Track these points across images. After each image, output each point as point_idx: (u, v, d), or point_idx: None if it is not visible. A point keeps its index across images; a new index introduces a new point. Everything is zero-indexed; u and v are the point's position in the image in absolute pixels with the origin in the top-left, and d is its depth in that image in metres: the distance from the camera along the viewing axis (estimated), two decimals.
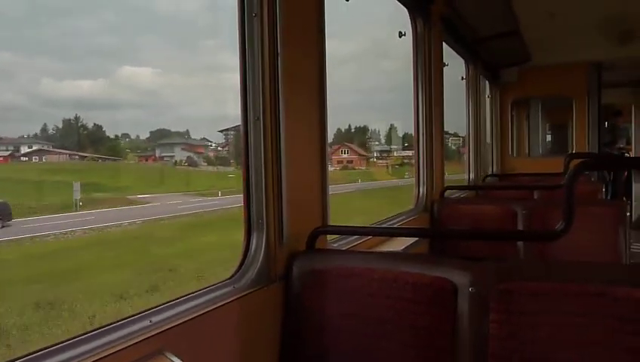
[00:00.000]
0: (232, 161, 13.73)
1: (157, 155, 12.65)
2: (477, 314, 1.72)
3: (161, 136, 12.90)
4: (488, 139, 7.54)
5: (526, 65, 7.35)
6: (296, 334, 2.02)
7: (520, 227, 3.71)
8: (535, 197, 5.04)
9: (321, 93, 2.41)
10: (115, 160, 11.75)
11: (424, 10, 4.15)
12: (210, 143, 13.86)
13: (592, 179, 6.55)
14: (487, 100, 7.55)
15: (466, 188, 5.85)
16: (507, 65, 7.53)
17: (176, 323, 1.61)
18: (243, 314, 1.89)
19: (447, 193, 4.62)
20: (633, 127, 10.34)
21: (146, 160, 12.56)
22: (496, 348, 1.66)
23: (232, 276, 1.99)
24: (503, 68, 7.59)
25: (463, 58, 6.11)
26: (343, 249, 2.72)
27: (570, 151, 7.55)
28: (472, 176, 6.42)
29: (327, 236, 2.61)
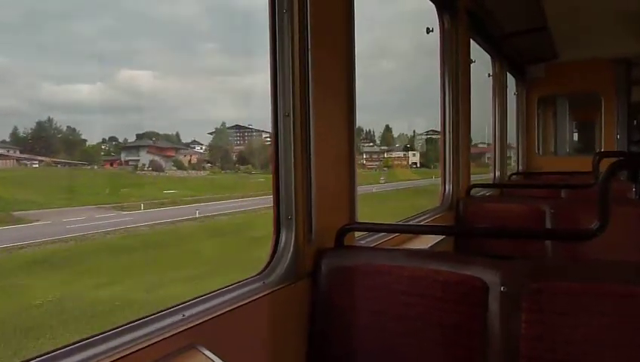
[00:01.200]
0: (207, 165, 12.91)
1: (122, 159, 11.70)
2: (508, 314, 1.70)
3: (149, 138, 12.26)
4: (513, 137, 7.44)
5: (553, 61, 7.24)
6: (324, 330, 2.03)
7: (548, 226, 3.66)
8: (562, 196, 4.96)
9: (350, 91, 2.41)
10: (74, 164, 10.88)
11: (451, 5, 4.11)
12: (196, 146, 13.18)
13: (622, 178, 6.42)
14: (514, 97, 7.47)
15: (492, 186, 5.79)
16: (534, 62, 7.42)
17: (208, 318, 1.62)
18: (272, 309, 1.90)
19: (473, 191, 4.59)
20: None
21: (111, 164, 11.66)
22: (527, 348, 1.64)
23: (262, 271, 2.00)
24: (530, 64, 7.48)
25: (490, 54, 6.04)
26: (373, 246, 2.72)
27: (597, 150, 7.42)
28: (497, 174, 6.35)
29: (356, 234, 2.62)
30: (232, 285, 1.83)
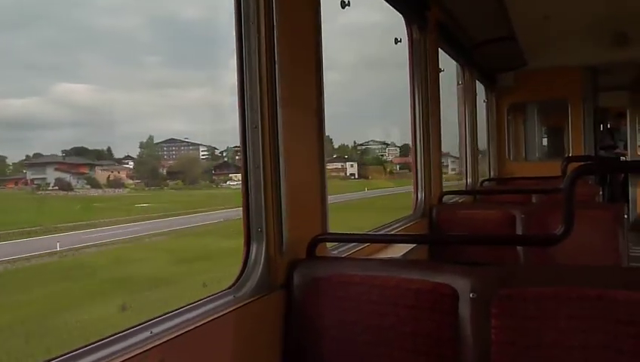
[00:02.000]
0: (127, 182, 11.63)
1: (28, 178, 10.32)
2: (479, 320, 1.71)
3: (77, 155, 11.11)
4: (484, 144, 7.55)
5: (522, 69, 7.38)
6: (298, 342, 2.01)
7: (519, 231, 3.71)
8: (533, 200, 5.04)
9: (319, 102, 2.42)
10: None
11: (420, 16, 4.16)
12: (129, 162, 12.08)
13: (590, 182, 6.56)
14: (484, 105, 7.59)
15: (464, 193, 5.85)
16: (503, 70, 7.56)
17: (177, 334, 1.60)
18: (244, 323, 1.88)
19: (446, 198, 4.63)
20: (629, 131, 10.38)
21: (16, 183, 10.35)
22: (498, 353, 1.65)
23: (232, 285, 1.98)
24: (500, 72, 7.62)
25: (459, 63, 6.12)
26: (346, 256, 2.72)
27: (567, 155, 7.58)
28: (469, 180, 6.43)
29: (328, 244, 2.61)
30: (201, 300, 1.81)
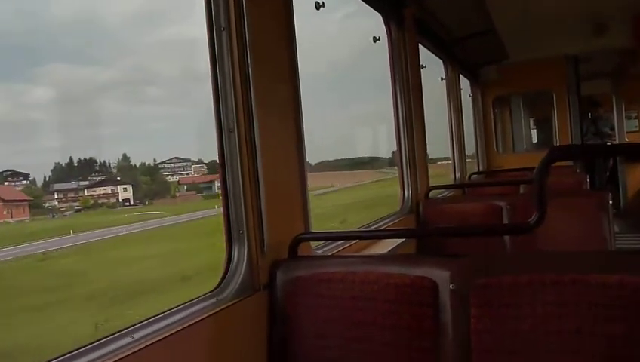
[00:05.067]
0: None
1: None
2: (458, 311, 1.74)
3: None
4: (471, 138, 7.59)
5: (504, 62, 7.44)
6: (283, 342, 2.03)
7: (505, 222, 3.74)
8: (521, 191, 5.08)
9: (296, 103, 2.44)
10: None
11: (397, 13, 4.19)
12: None
13: (578, 171, 6.61)
14: (469, 99, 7.63)
15: (451, 187, 5.87)
16: (486, 64, 7.61)
17: (158, 338, 1.61)
18: (227, 325, 1.90)
19: (433, 193, 4.65)
20: (616, 118, 10.45)
21: None
22: (478, 342, 1.68)
23: (215, 288, 1.99)
24: (482, 66, 7.67)
25: (441, 59, 6.16)
26: (329, 254, 2.74)
27: (555, 145, 7.63)
28: (457, 175, 6.46)
29: (316, 242, 2.63)
30: (182, 304, 1.82)
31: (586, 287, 1.57)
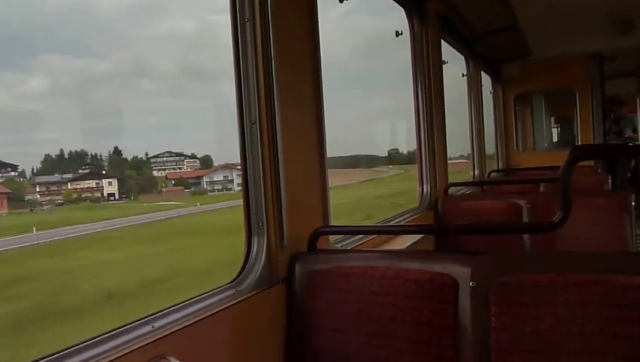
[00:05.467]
0: None
1: None
2: (478, 308, 1.72)
3: None
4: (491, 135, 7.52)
5: (527, 59, 7.33)
6: (300, 335, 2.03)
7: (525, 220, 3.70)
8: (541, 190, 5.02)
9: (317, 96, 2.43)
10: None
11: (420, 8, 4.16)
12: None
13: (599, 171, 6.51)
14: (490, 96, 7.55)
15: (470, 184, 5.83)
16: (508, 61, 7.51)
17: (178, 328, 1.62)
18: (246, 316, 1.91)
19: (452, 190, 4.62)
20: (639, 118, 10.28)
21: None
22: (497, 340, 1.66)
23: (234, 279, 2.01)
24: (505, 63, 7.57)
25: (463, 55, 6.10)
26: (347, 248, 2.73)
27: (576, 144, 7.52)
28: (477, 172, 6.41)
29: (334, 236, 2.63)
30: (202, 294, 1.84)
31: (609, 288, 1.54)
